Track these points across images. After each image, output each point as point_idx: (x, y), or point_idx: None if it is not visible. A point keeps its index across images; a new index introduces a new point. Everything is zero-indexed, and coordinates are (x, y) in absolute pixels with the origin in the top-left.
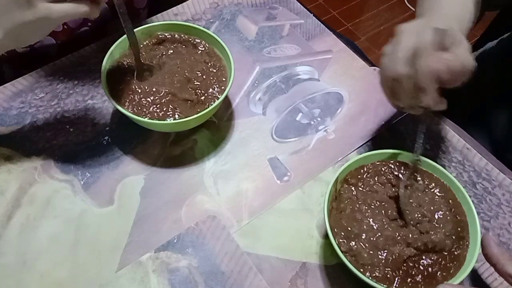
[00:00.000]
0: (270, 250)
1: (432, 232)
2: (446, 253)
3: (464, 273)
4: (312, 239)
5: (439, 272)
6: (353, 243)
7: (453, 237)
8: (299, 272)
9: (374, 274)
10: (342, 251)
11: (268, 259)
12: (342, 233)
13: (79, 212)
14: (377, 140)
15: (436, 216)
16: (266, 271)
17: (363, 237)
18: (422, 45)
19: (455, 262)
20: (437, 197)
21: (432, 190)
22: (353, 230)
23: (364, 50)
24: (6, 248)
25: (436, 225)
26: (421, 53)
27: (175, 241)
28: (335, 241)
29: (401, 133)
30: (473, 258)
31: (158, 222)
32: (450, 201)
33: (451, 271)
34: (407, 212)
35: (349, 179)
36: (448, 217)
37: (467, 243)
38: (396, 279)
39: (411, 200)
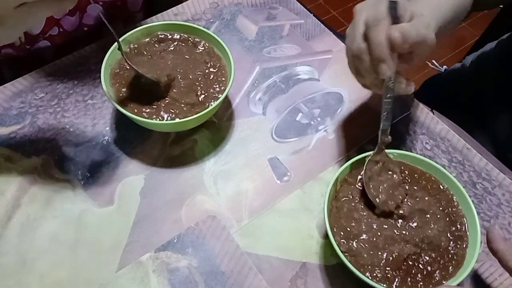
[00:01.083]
0: (270, 250)
1: (426, 228)
2: (444, 252)
3: (464, 273)
4: (312, 239)
5: (438, 271)
6: (353, 243)
7: (449, 235)
8: (299, 272)
9: (374, 274)
10: (342, 251)
11: (268, 259)
12: (342, 233)
13: (79, 212)
14: (377, 140)
15: (428, 214)
16: (266, 271)
17: (363, 237)
18: (375, 17)
19: (453, 262)
20: (427, 197)
21: (422, 189)
22: (352, 230)
23: None
24: (6, 248)
25: (428, 221)
26: (374, 24)
27: (175, 241)
28: (335, 241)
29: (401, 133)
30: (473, 258)
31: (158, 222)
32: (443, 202)
33: (450, 271)
34: (372, 191)
35: (348, 179)
36: (439, 215)
37: (466, 242)
38: (396, 279)
39: (382, 184)
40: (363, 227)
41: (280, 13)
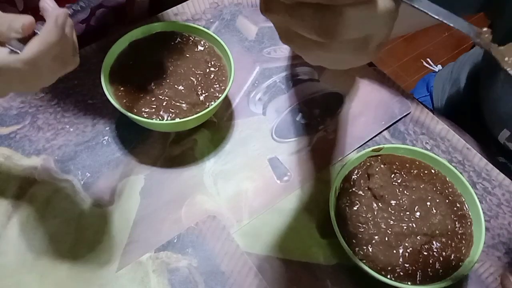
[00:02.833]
0: (270, 250)
1: (430, 215)
2: (453, 234)
3: (477, 251)
4: (312, 239)
5: (453, 255)
6: (368, 248)
7: (452, 216)
8: (299, 272)
9: (396, 275)
10: (360, 259)
11: (268, 259)
12: (354, 241)
13: (79, 212)
14: (377, 140)
15: (428, 202)
16: (266, 271)
17: (375, 240)
18: None
19: (464, 242)
20: (422, 184)
21: (416, 178)
22: (363, 236)
23: None
24: (6, 248)
25: (430, 208)
26: None
27: (175, 241)
28: (351, 250)
29: (401, 133)
30: (482, 235)
31: (158, 222)
32: (438, 185)
33: (463, 251)
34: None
35: (345, 184)
36: (438, 200)
37: (470, 220)
38: (418, 272)
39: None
40: (372, 229)
41: None
